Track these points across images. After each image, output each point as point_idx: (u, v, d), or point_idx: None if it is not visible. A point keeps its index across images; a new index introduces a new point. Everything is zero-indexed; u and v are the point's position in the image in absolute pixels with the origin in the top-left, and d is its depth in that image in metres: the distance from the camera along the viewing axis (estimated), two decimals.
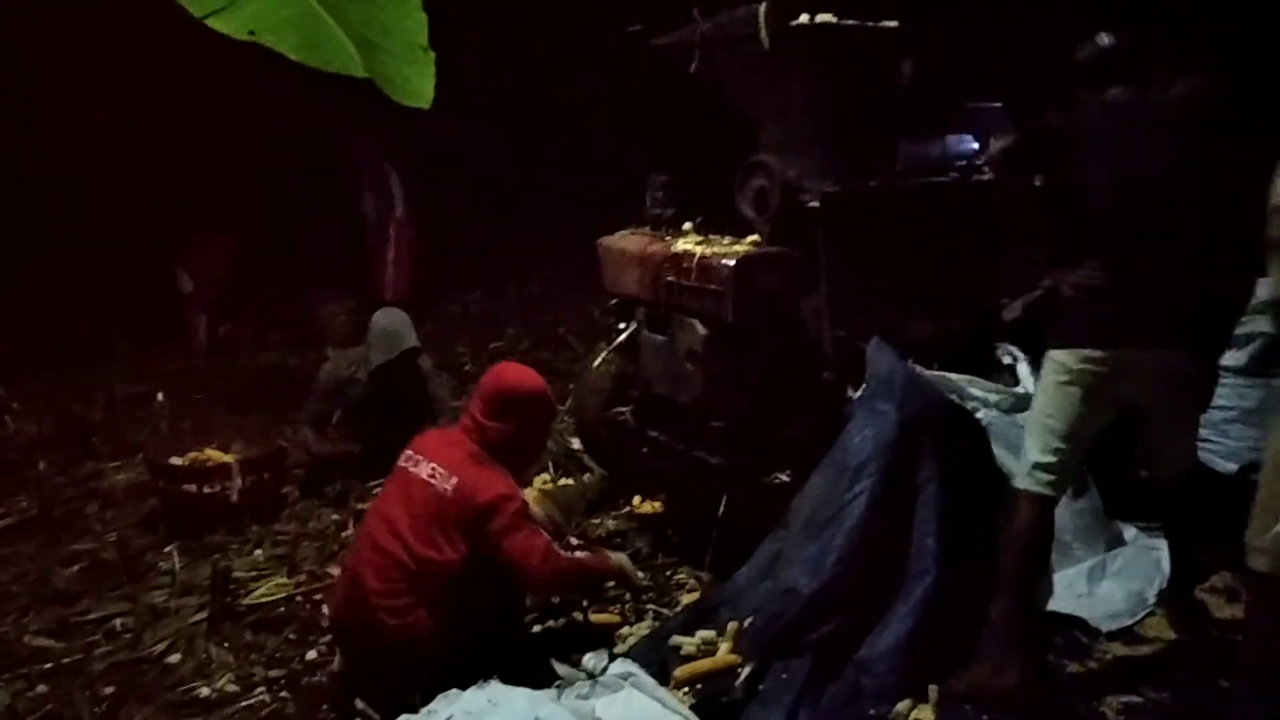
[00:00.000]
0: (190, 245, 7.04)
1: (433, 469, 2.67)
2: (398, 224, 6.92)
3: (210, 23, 1.39)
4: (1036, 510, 2.66)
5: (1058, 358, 2.64)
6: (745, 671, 2.66)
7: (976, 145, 3.78)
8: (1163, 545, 3.01)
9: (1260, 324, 3.42)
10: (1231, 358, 3.46)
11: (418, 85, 1.39)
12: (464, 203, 8.63)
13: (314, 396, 4.47)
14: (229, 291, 7.10)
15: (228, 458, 4.15)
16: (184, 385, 6.06)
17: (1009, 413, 3.30)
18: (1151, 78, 2.77)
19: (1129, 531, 3.31)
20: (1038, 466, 2.66)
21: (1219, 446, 3.52)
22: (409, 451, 2.78)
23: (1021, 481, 2.70)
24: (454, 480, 2.63)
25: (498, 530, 2.58)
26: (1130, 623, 2.93)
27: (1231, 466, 3.48)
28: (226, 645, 3.12)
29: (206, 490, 3.99)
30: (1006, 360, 3.57)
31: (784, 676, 2.64)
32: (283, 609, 3.35)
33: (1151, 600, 2.99)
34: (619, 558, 2.97)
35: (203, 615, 3.28)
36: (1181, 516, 2.85)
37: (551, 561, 2.61)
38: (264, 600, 3.39)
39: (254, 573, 3.60)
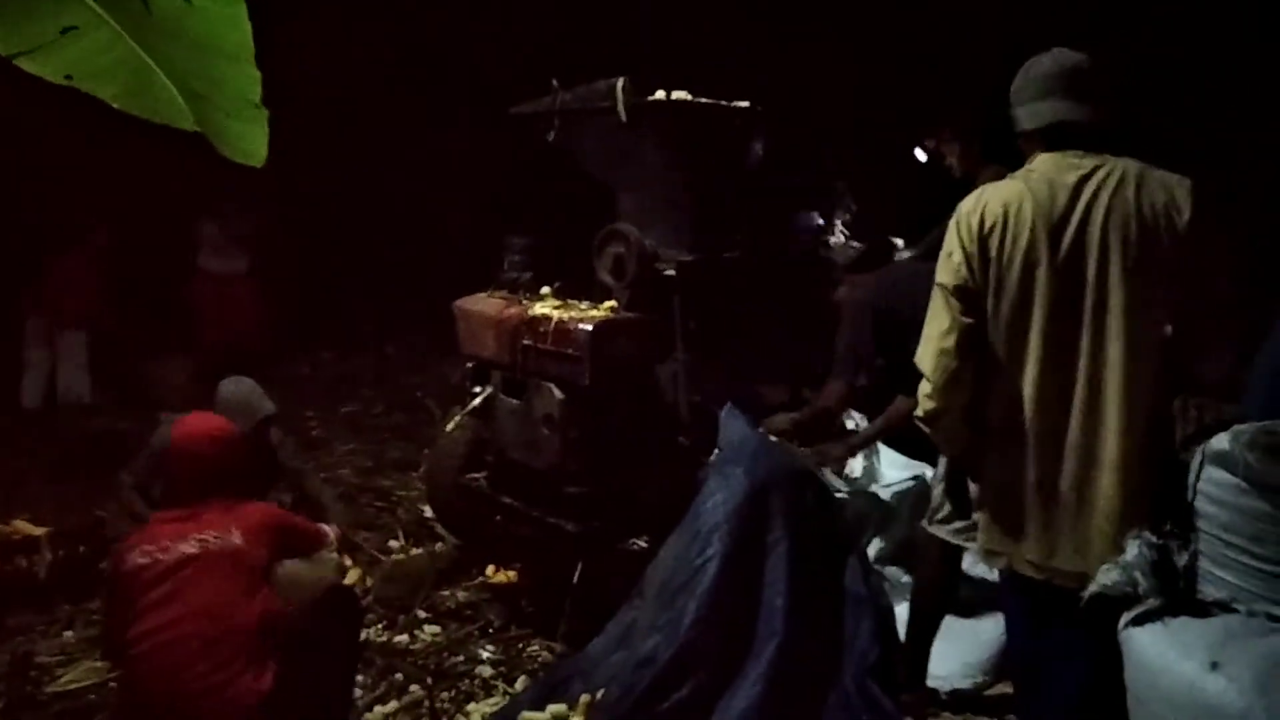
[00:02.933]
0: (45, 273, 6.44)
1: (200, 539, 2.47)
2: (236, 280, 6.65)
3: (21, 63, 1.29)
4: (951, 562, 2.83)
5: None
6: None
7: (821, 221, 3.98)
8: (997, 610, 3.13)
9: None
10: None
11: (250, 142, 1.33)
12: (320, 260, 8.37)
13: (145, 458, 4.15)
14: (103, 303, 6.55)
15: (36, 530, 3.79)
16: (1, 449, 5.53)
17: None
18: None
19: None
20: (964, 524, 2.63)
21: None
22: (159, 544, 2.46)
23: (948, 535, 2.70)
24: (237, 531, 2.51)
25: (301, 534, 2.74)
26: (969, 686, 3.02)
27: None
28: None
29: (10, 567, 3.62)
30: (851, 425, 3.71)
31: None
32: (93, 696, 3.05)
33: (987, 667, 3.09)
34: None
35: None
36: None
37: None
38: (72, 687, 3.08)
39: (61, 656, 3.28)
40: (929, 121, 4.47)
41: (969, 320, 2.15)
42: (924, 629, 2.91)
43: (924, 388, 2.22)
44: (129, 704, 2.50)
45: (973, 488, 2.38)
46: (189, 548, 2.47)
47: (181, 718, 2.35)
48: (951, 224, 2.22)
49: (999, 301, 2.14)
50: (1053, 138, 2.17)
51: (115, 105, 1.35)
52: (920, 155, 4.42)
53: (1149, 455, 2.10)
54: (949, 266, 2.19)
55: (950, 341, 2.15)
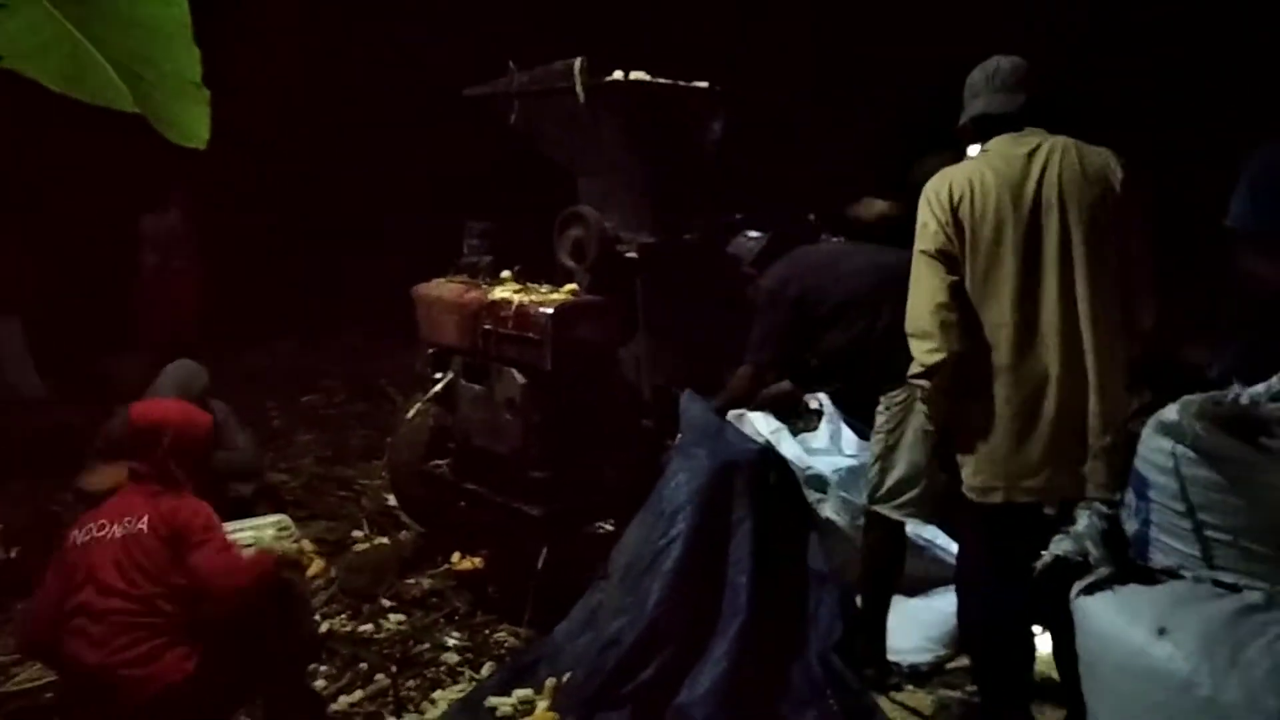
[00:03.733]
0: None
1: (124, 524, 2.50)
2: (172, 270, 6.45)
3: None
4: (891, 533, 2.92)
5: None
6: None
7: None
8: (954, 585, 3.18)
9: None
10: None
11: (191, 124, 1.29)
12: (278, 249, 8.23)
13: (105, 439, 4.11)
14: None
15: None
16: None
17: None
18: None
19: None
20: (906, 498, 2.84)
21: None
22: (87, 525, 2.54)
23: (891, 511, 2.87)
24: (145, 518, 2.50)
25: (194, 546, 2.47)
26: (929, 659, 3.07)
27: None
28: None
29: None
30: (814, 405, 3.73)
31: None
32: (49, 695, 2.98)
33: (947, 640, 3.12)
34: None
35: None
36: None
37: (240, 570, 2.51)
38: (27, 686, 3.02)
39: (16, 655, 3.21)
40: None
41: (954, 277, 2.43)
42: (877, 604, 2.97)
43: (924, 344, 2.42)
44: (69, 679, 2.56)
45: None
46: (116, 532, 2.49)
47: (110, 691, 2.38)
48: (922, 201, 2.51)
49: (975, 258, 2.43)
50: (982, 127, 2.55)
51: (51, 87, 1.30)
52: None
53: (1120, 374, 2.39)
54: (927, 235, 2.47)
55: (944, 296, 2.41)
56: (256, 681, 2.60)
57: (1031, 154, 2.42)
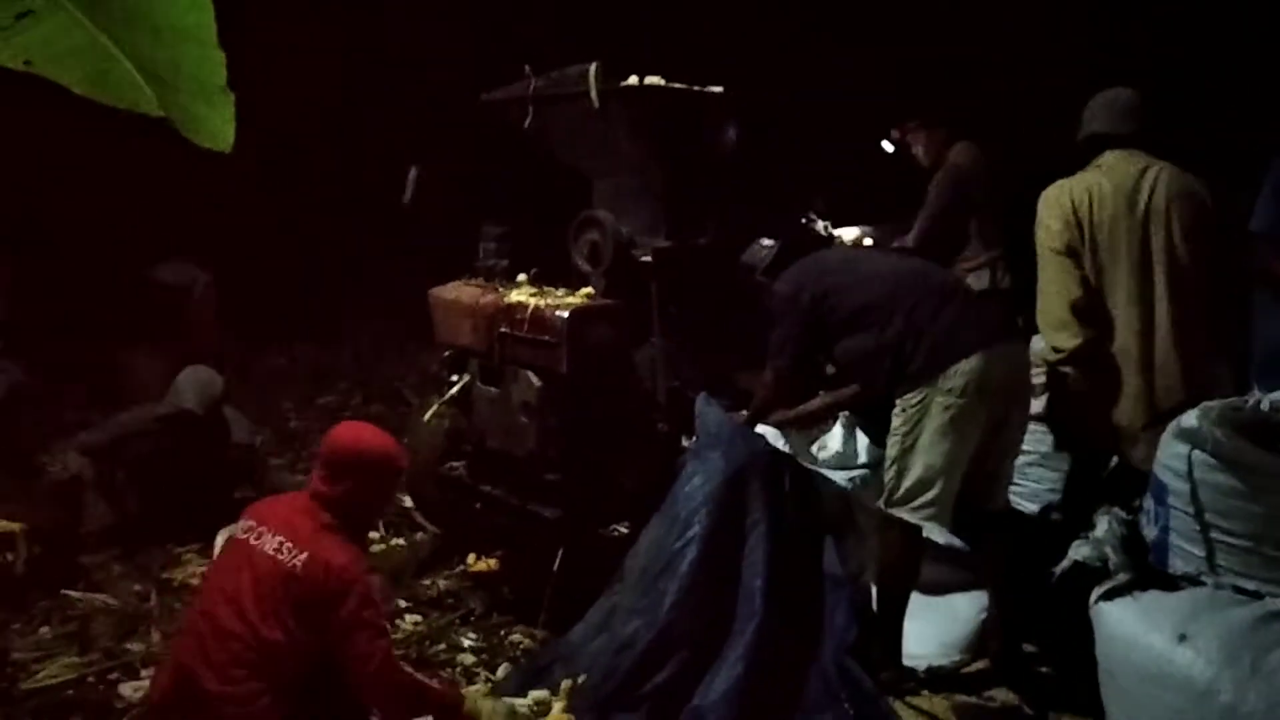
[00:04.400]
0: None
1: (280, 543, 2.41)
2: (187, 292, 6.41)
3: None
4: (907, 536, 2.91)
5: (936, 393, 2.80)
6: None
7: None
8: (971, 589, 3.17)
9: None
10: (1030, 407, 3.75)
11: (216, 126, 1.31)
12: (295, 253, 8.29)
13: (104, 430, 4.22)
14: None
15: (11, 526, 3.75)
16: None
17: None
18: None
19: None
20: (921, 501, 2.84)
21: (1021, 488, 3.78)
22: (249, 522, 2.50)
23: (908, 514, 2.86)
24: (303, 556, 2.37)
25: (343, 620, 2.32)
26: (946, 663, 3.05)
27: (1033, 507, 3.74)
28: None
29: None
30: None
31: None
32: (71, 692, 3.02)
33: (964, 644, 3.12)
34: (479, 704, 2.53)
35: None
36: (1001, 552, 3.03)
37: (389, 674, 2.34)
38: (49, 683, 3.05)
39: (39, 652, 3.25)
40: (897, 115, 4.55)
41: (1080, 272, 2.95)
42: (893, 608, 2.94)
43: (1062, 333, 2.94)
44: (172, 655, 2.51)
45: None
46: (269, 546, 2.40)
47: (195, 712, 2.33)
48: (1044, 205, 3.03)
49: (1094, 257, 2.96)
50: (1093, 144, 3.09)
51: (77, 91, 1.32)
52: (887, 147, 4.48)
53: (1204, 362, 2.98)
54: (1053, 234, 2.98)
55: (1077, 289, 2.93)
56: None
57: (1143, 171, 2.96)
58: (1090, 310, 2.92)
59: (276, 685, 2.32)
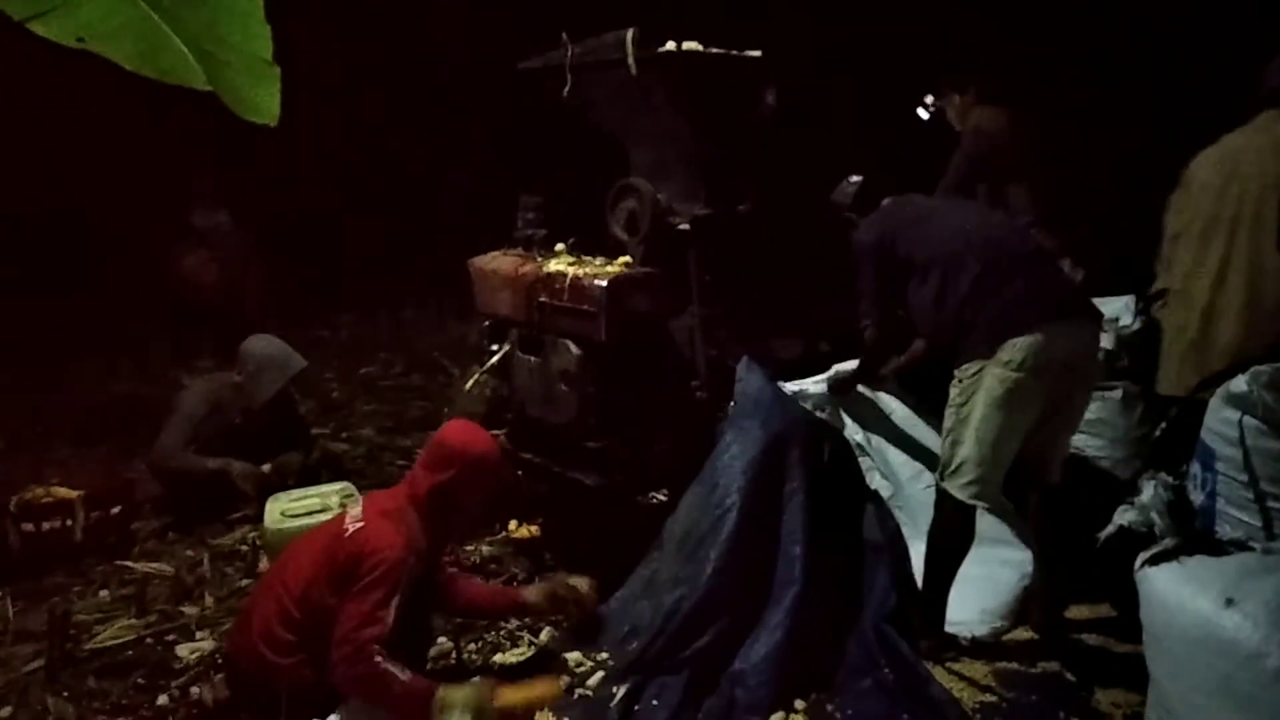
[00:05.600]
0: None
1: (356, 514, 2.53)
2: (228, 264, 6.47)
3: (33, 27, 1.29)
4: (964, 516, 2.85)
5: (992, 365, 2.73)
6: (621, 691, 2.66)
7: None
8: (1014, 556, 3.15)
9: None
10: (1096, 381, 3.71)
11: (263, 100, 1.33)
12: (334, 224, 8.39)
13: (180, 418, 4.20)
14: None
15: (69, 493, 3.87)
16: (21, 417, 5.63)
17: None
18: None
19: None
20: (970, 478, 2.79)
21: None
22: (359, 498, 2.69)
23: (957, 491, 2.81)
24: (358, 525, 2.49)
25: (350, 595, 2.36)
26: (986, 631, 3.04)
27: (1079, 470, 3.71)
28: (66, 695, 2.89)
29: (46, 528, 3.71)
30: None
31: (659, 695, 2.65)
32: (131, 652, 3.13)
33: (1005, 612, 3.09)
34: (450, 695, 2.35)
35: (39, 663, 3.04)
36: (1046, 520, 3.00)
37: (358, 662, 2.30)
38: (109, 644, 3.17)
39: (99, 615, 3.37)
40: (929, 82, 4.47)
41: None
42: (940, 578, 2.92)
43: None
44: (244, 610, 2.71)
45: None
46: (350, 517, 2.54)
47: (257, 667, 2.49)
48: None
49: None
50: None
51: (128, 67, 1.35)
52: (922, 114, 4.41)
53: None
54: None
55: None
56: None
57: None
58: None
59: (311, 649, 2.43)
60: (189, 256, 6.34)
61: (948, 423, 2.86)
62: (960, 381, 2.82)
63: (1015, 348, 2.69)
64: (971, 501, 2.81)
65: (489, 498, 2.73)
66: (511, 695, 2.44)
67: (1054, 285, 2.87)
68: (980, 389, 2.75)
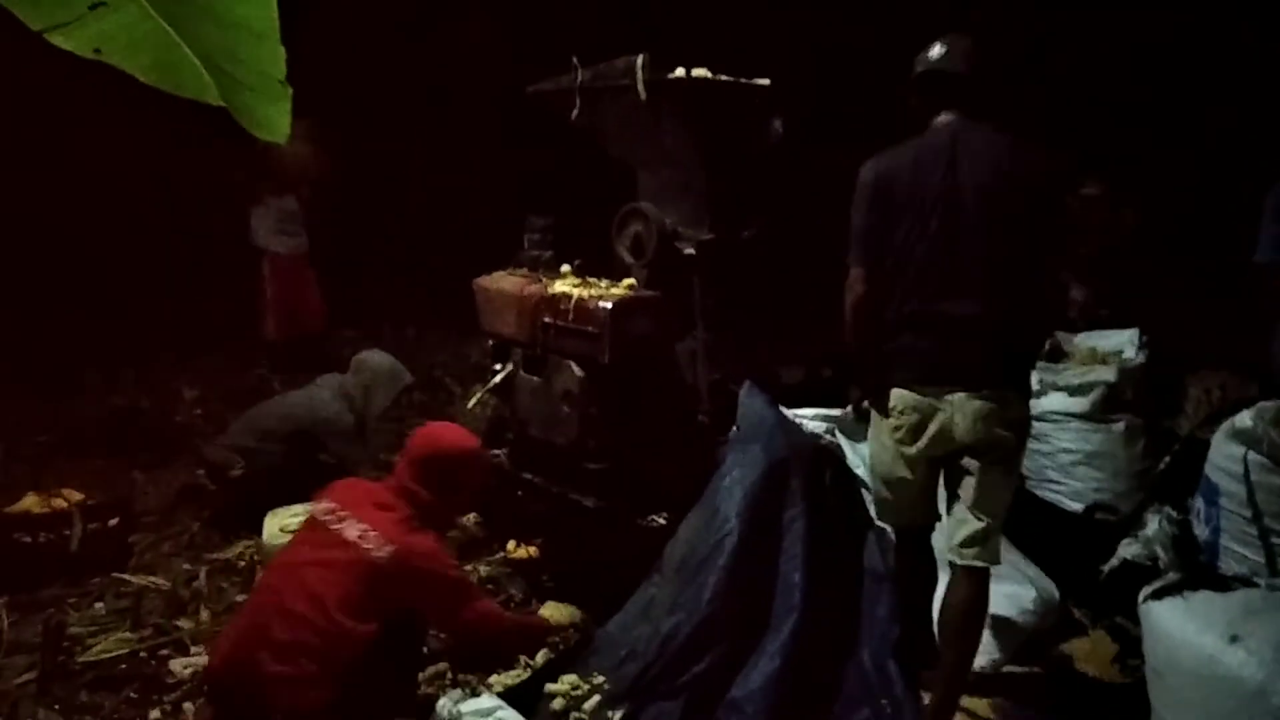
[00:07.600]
0: None
1: (363, 531, 2.48)
2: (272, 261, 6.61)
3: (51, 38, 1.31)
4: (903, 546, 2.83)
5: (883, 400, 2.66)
6: (617, 716, 2.63)
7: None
8: (1014, 590, 3.12)
9: (1102, 373, 3.68)
10: (1076, 405, 3.70)
11: (274, 119, 1.34)
12: (336, 242, 8.41)
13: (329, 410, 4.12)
14: None
15: (67, 504, 3.86)
16: (20, 427, 5.62)
17: None
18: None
19: None
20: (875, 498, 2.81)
21: (1065, 488, 3.74)
22: (328, 504, 2.57)
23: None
24: (389, 549, 2.45)
25: (444, 601, 2.60)
26: (985, 664, 3.01)
27: (1077, 506, 3.70)
28: (57, 708, 2.87)
29: (43, 539, 3.69)
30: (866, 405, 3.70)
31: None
32: (124, 666, 3.11)
33: (1006, 644, 3.04)
34: (552, 616, 3.16)
35: (31, 675, 3.01)
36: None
37: (497, 625, 2.78)
38: (103, 657, 3.15)
39: (93, 627, 3.35)
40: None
41: None
42: (913, 611, 2.83)
43: None
44: (233, 628, 2.57)
45: None
46: (351, 532, 2.48)
47: (250, 685, 2.38)
48: None
49: None
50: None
51: (143, 80, 1.36)
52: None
53: None
54: None
55: None
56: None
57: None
58: None
59: (330, 671, 2.36)
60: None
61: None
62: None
63: (901, 399, 2.60)
64: (880, 523, 2.82)
65: (475, 485, 2.85)
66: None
67: (975, 342, 2.50)
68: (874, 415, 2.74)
